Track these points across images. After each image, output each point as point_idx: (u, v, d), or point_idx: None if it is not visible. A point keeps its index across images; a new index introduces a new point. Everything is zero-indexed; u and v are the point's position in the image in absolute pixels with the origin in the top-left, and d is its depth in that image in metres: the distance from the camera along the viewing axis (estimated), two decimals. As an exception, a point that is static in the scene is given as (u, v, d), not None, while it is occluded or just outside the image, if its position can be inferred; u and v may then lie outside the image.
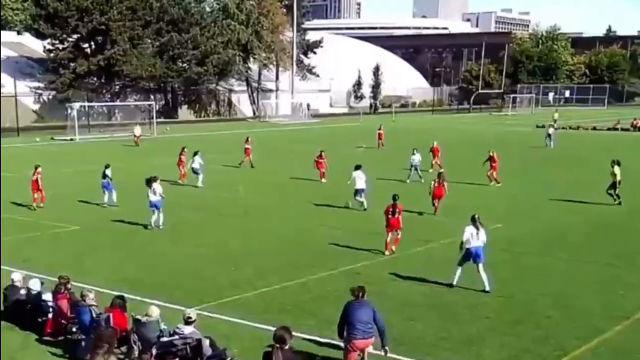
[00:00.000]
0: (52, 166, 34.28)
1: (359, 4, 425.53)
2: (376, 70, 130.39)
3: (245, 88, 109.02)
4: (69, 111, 67.36)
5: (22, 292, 16.62)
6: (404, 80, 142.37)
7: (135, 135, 60.63)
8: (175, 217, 28.13)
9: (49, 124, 77.61)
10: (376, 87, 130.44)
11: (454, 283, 19.01)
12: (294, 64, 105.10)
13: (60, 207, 30.96)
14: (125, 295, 15.62)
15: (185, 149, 39.12)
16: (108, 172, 31.40)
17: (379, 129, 58.16)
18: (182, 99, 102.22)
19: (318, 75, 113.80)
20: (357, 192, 30.68)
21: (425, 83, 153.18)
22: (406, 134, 69.07)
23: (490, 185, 37.64)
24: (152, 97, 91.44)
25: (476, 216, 19.14)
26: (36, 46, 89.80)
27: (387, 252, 22.83)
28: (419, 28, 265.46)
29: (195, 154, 37.78)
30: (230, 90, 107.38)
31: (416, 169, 39.26)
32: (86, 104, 75.63)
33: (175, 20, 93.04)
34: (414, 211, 29.08)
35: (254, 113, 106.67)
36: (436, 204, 29.84)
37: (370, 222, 26.88)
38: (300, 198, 33.70)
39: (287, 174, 41.45)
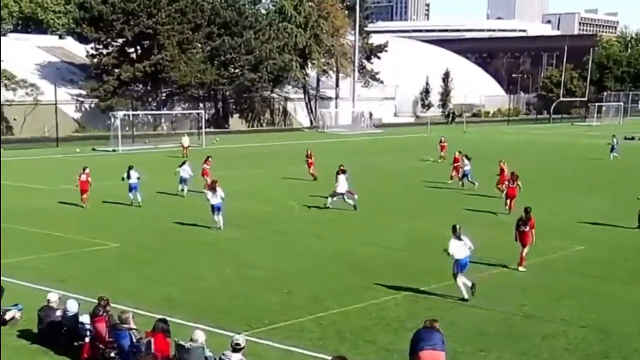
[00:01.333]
0: (92, 179, 34.93)
1: (427, 5, 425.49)
2: (446, 77, 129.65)
3: (302, 96, 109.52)
4: (112, 120, 68.50)
5: (58, 313, 16.81)
6: (477, 87, 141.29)
7: (183, 146, 61.20)
8: (218, 233, 28.57)
9: (90, 133, 79.06)
10: (446, 94, 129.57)
11: (466, 297, 19.75)
12: (356, 69, 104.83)
13: (99, 224, 31.41)
14: (168, 318, 15.62)
15: (210, 158, 40.62)
16: (133, 172, 34.89)
17: (441, 142, 57.61)
18: (234, 107, 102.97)
19: (382, 82, 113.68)
20: (336, 194, 34.36)
21: (500, 90, 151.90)
22: (477, 145, 68.16)
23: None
24: (201, 105, 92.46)
25: (457, 227, 20.04)
26: (79, 51, 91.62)
27: (520, 267, 23.34)
28: (493, 30, 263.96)
29: (183, 163, 39.02)
30: (286, 98, 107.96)
31: (466, 176, 40.91)
32: (130, 112, 76.85)
33: (228, 24, 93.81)
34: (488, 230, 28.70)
35: (311, 123, 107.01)
36: (510, 204, 32.69)
37: (432, 239, 26.51)
38: (353, 214, 33.51)
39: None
